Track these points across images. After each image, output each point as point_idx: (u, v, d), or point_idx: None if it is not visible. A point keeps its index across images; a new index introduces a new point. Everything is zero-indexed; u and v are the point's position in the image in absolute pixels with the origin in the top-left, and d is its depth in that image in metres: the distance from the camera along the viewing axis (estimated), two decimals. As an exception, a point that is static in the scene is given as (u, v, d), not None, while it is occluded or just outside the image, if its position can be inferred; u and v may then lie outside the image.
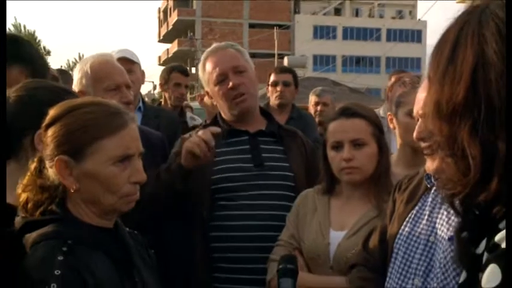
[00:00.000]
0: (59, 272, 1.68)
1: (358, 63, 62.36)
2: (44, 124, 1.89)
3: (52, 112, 1.90)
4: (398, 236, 2.23)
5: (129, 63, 4.29)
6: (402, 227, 2.23)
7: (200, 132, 2.84)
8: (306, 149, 3.21)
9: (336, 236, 2.66)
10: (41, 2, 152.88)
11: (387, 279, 2.24)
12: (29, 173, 1.88)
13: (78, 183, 1.84)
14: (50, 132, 1.86)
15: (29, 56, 2.63)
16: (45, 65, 2.75)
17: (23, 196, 1.86)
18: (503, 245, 1.14)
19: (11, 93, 2.13)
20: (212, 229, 2.99)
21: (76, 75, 3.20)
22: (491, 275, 1.14)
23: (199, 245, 3.01)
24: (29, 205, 1.85)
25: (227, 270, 2.95)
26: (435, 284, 2.00)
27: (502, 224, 1.18)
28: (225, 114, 3.17)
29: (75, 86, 3.16)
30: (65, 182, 1.84)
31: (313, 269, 2.69)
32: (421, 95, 2.07)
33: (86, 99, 2.20)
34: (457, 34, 1.28)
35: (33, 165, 1.89)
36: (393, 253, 2.23)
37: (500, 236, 1.16)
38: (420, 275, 2.06)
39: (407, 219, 2.22)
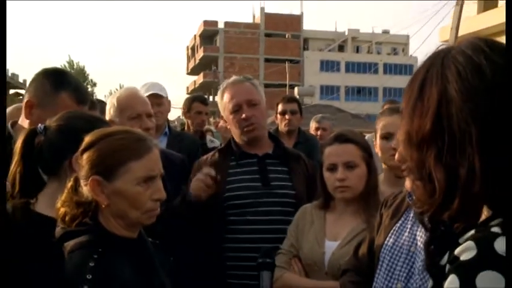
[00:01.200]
0: (90, 276, 1.71)
1: (359, 92, 62.09)
2: (80, 149, 1.91)
3: (87, 139, 1.92)
4: (384, 246, 2.23)
5: (158, 97, 4.38)
6: (387, 238, 2.22)
7: (204, 171, 2.93)
8: (308, 170, 3.20)
9: (331, 246, 2.65)
10: (90, 40, 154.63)
11: (374, 283, 2.23)
12: (66, 191, 1.90)
13: (108, 200, 1.86)
14: (86, 155, 1.89)
15: (74, 84, 2.68)
16: (87, 92, 2.79)
17: (62, 210, 1.88)
18: (462, 257, 1.13)
19: (52, 122, 2.14)
20: (224, 241, 2.99)
21: (107, 106, 3.26)
22: (450, 284, 1.13)
23: (214, 252, 3.01)
24: (67, 218, 1.87)
25: (238, 276, 2.94)
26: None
27: (462, 239, 1.17)
28: (237, 139, 3.19)
29: (106, 116, 3.21)
30: (98, 199, 1.86)
31: (310, 274, 2.68)
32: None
33: (117, 127, 2.23)
34: (424, 74, 1.29)
35: (70, 184, 1.91)
36: (379, 261, 2.22)
37: (459, 250, 1.14)
38: (402, 280, 2.06)
39: (391, 231, 2.21)
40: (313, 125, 6.60)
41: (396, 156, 1.97)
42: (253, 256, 2.86)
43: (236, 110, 3.10)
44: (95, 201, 1.89)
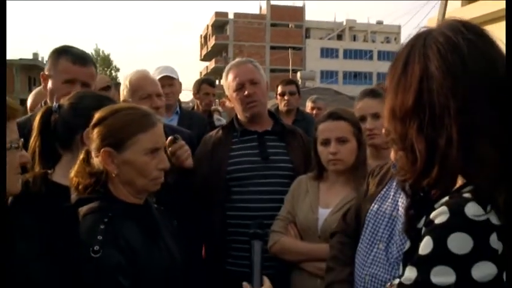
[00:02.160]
0: (101, 237, 1.72)
1: (356, 77, 61.73)
2: (91, 124, 1.91)
3: (97, 115, 1.92)
4: (369, 211, 2.22)
5: (169, 79, 4.36)
6: (373, 204, 2.22)
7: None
8: (304, 143, 3.16)
9: (323, 213, 2.65)
10: (115, 31, 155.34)
11: (359, 243, 2.23)
12: (78, 162, 1.90)
13: (118, 169, 1.87)
14: (97, 130, 1.89)
15: (71, 51, 2.78)
16: (84, 55, 2.82)
17: (75, 180, 1.88)
18: (436, 221, 1.13)
19: (65, 101, 2.16)
20: (227, 209, 2.99)
21: (121, 88, 3.25)
22: (425, 244, 1.13)
23: (218, 220, 3.01)
24: (80, 187, 1.88)
25: (239, 241, 2.93)
26: (394, 248, 1.99)
27: (437, 205, 1.17)
28: (240, 115, 3.16)
29: (121, 96, 3.21)
30: (108, 168, 1.86)
31: (304, 238, 2.69)
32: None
33: (124, 104, 2.24)
34: (407, 53, 1.28)
35: (81, 156, 1.91)
36: (365, 224, 2.22)
37: (434, 214, 1.15)
38: (384, 241, 2.05)
39: (376, 198, 2.20)
40: (309, 104, 6.58)
41: (383, 130, 1.97)
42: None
43: (239, 88, 3.08)
44: (105, 171, 1.89)
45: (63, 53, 2.74)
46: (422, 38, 1.26)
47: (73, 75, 2.69)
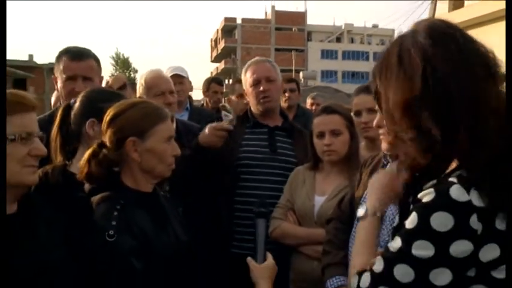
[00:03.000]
0: (114, 222, 1.71)
1: (353, 76, 61.41)
2: (108, 117, 1.88)
3: (114, 109, 1.90)
4: (362, 198, 2.20)
5: (179, 77, 4.35)
6: (365, 192, 2.19)
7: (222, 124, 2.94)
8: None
9: (319, 200, 2.63)
10: (133, 35, 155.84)
11: (353, 229, 2.21)
12: (89, 153, 1.87)
13: (140, 157, 1.85)
14: (116, 122, 1.86)
15: (70, 51, 2.75)
16: (81, 52, 2.77)
17: (86, 170, 1.86)
18: (423, 200, 1.14)
19: (78, 98, 2.16)
20: (235, 194, 2.99)
21: (137, 86, 3.25)
22: (411, 220, 1.15)
23: (225, 204, 3.00)
24: (92, 177, 1.86)
25: (244, 225, 2.93)
26: (385, 232, 1.96)
27: (426, 186, 1.17)
28: (254, 109, 3.16)
29: (137, 94, 3.20)
30: (133, 156, 1.85)
31: (302, 224, 2.68)
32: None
33: (136, 99, 2.24)
34: (399, 47, 1.24)
35: (93, 148, 1.88)
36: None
37: (421, 194, 1.15)
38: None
39: (369, 186, 2.18)
40: (309, 101, 6.61)
41: (375, 121, 1.93)
42: None
43: (256, 83, 3.09)
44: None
45: (63, 53, 2.73)
46: (409, 35, 1.24)
47: (73, 72, 2.67)
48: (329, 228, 2.37)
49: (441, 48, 1.17)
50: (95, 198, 1.82)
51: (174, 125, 2.21)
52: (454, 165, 1.18)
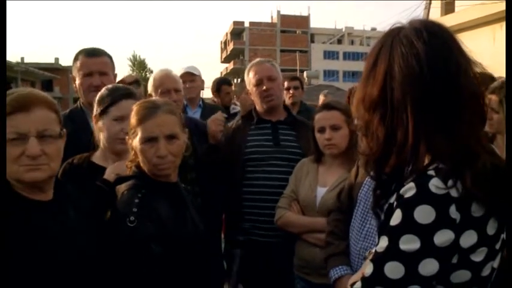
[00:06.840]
0: (136, 209, 1.72)
1: (354, 75, 60.96)
2: (137, 118, 1.89)
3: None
4: (360, 191, 2.20)
5: (191, 75, 4.40)
6: (363, 185, 2.20)
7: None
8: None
9: (321, 191, 2.64)
10: (149, 38, 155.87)
11: (352, 220, 2.22)
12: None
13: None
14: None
15: (85, 50, 2.82)
16: (95, 49, 2.85)
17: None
18: (405, 196, 1.13)
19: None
20: (243, 186, 3.00)
21: (148, 84, 3.29)
22: (395, 216, 1.13)
23: (235, 194, 3.02)
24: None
25: (252, 213, 2.95)
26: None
27: (406, 182, 1.15)
28: (258, 107, 3.17)
29: (148, 91, 3.24)
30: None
31: (305, 213, 2.68)
32: None
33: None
34: (378, 51, 1.26)
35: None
36: (357, 202, 2.21)
37: (403, 190, 1.14)
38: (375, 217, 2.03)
39: (366, 179, 2.18)
40: (321, 97, 6.65)
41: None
42: (265, 198, 2.91)
43: (259, 83, 3.09)
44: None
45: (79, 53, 2.80)
46: (391, 38, 1.23)
47: (89, 68, 2.74)
48: (330, 219, 2.39)
49: (404, 62, 1.17)
50: (120, 187, 1.84)
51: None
52: (427, 160, 1.17)
